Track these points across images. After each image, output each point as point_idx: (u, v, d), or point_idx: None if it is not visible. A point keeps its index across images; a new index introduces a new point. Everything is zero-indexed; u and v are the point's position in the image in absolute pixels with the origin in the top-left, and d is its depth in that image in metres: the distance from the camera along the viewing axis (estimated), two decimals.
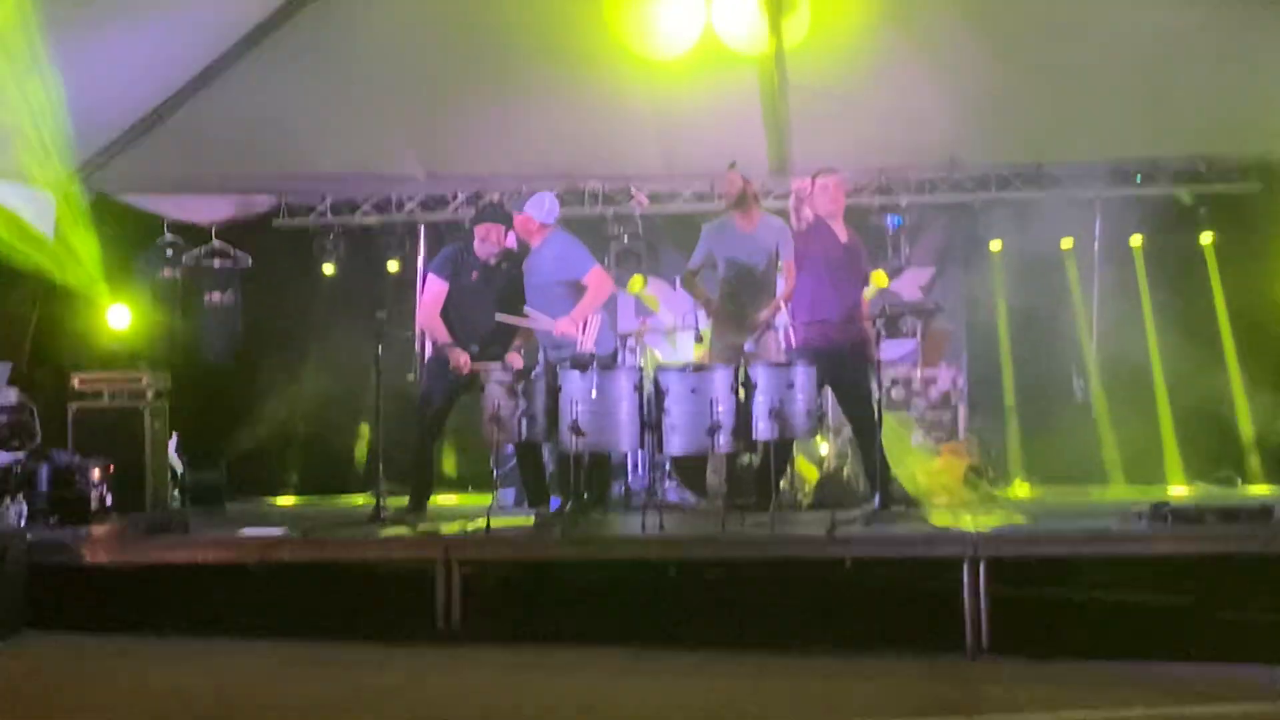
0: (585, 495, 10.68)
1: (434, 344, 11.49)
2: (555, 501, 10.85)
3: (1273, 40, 11.92)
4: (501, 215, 11.29)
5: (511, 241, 11.24)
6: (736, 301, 11.22)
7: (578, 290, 10.91)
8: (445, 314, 11.15)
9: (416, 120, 13.23)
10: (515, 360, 10.83)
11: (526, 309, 10.89)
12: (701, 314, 11.69)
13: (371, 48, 12.38)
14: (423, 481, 11.46)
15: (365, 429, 13.88)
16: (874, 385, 10.48)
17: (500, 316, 10.85)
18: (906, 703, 7.90)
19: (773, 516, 9.91)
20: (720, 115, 13.03)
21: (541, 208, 11.07)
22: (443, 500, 12.83)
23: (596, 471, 10.92)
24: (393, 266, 14.33)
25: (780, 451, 10.48)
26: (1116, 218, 13.78)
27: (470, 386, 10.90)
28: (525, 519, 10.83)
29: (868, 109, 12.85)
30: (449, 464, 13.96)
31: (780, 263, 11.22)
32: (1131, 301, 13.76)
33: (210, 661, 8.99)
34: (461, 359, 10.82)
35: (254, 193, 14.22)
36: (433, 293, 11.22)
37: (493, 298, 11.11)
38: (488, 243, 11.13)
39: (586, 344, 10.56)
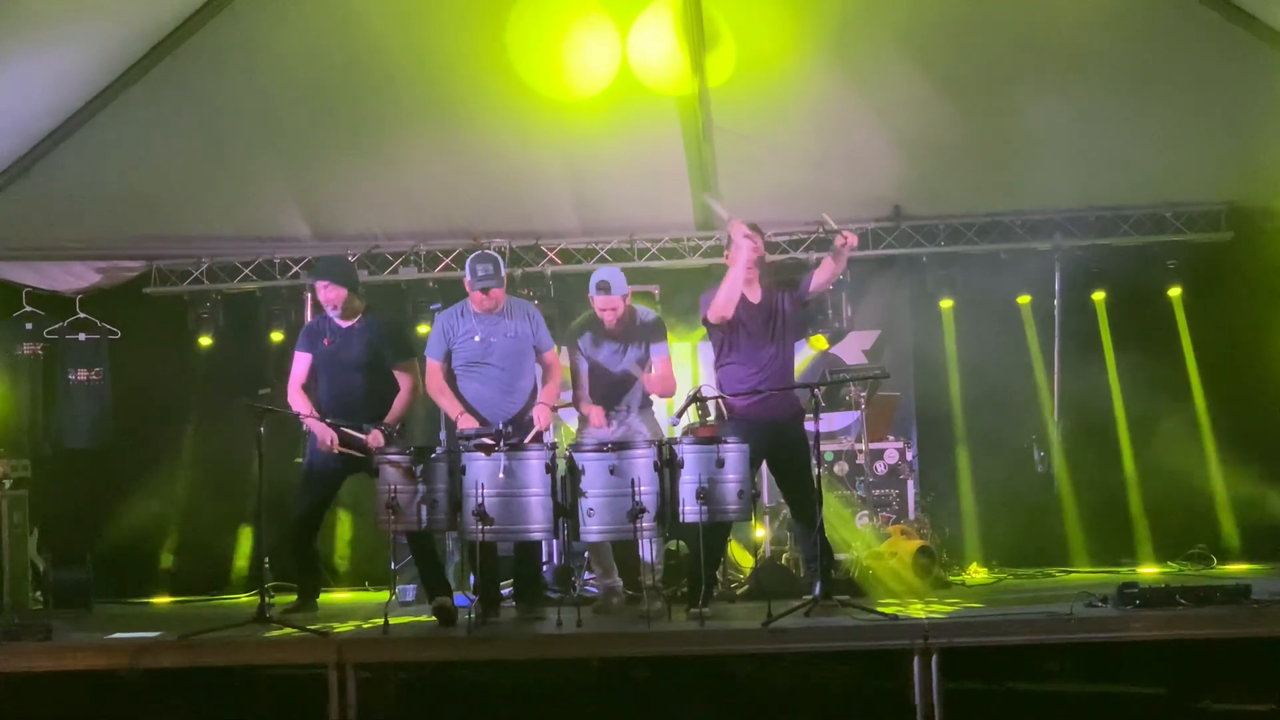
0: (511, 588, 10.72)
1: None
2: (461, 598, 10.75)
3: (1241, 81, 12.13)
4: (335, 272, 11.22)
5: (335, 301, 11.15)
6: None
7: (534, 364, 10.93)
8: (315, 389, 11.21)
9: (300, 176, 13.29)
10: (376, 439, 10.74)
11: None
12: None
13: (247, 98, 12.45)
14: (310, 576, 11.47)
15: (248, 520, 13.72)
16: (813, 461, 10.36)
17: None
18: None
19: (702, 608, 9.91)
20: (639, 163, 13.17)
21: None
22: (336, 597, 12.81)
23: (523, 562, 10.96)
24: (276, 337, 14.25)
25: (712, 536, 10.41)
26: (1077, 271, 13.91)
27: (357, 468, 10.95)
28: (427, 616, 10.74)
29: (802, 155, 12.99)
30: (342, 556, 13.93)
31: (653, 360, 11.17)
32: (1095, 362, 13.90)
33: None
34: (326, 436, 10.86)
35: (121, 258, 14.14)
36: (296, 367, 11.29)
37: (348, 366, 11.10)
38: (326, 305, 11.13)
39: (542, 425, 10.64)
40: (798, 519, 10.90)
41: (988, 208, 13.75)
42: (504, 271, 10.83)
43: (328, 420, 10.83)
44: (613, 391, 11.07)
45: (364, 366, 11.11)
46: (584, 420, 11.08)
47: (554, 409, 11.10)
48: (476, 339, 10.74)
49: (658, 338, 11.16)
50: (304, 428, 11.26)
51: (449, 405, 10.72)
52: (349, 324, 11.17)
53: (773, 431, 10.58)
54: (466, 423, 10.43)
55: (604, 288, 10.86)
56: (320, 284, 11.12)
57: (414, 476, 9.83)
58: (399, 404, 11.06)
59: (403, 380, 11.11)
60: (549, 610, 10.66)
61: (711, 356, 11.05)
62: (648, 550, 10.74)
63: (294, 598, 11.43)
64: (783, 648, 9.31)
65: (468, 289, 10.79)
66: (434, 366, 10.83)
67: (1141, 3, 11.87)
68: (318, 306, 11.40)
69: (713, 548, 10.53)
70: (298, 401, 11.15)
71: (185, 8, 11.77)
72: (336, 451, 10.81)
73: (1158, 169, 13.06)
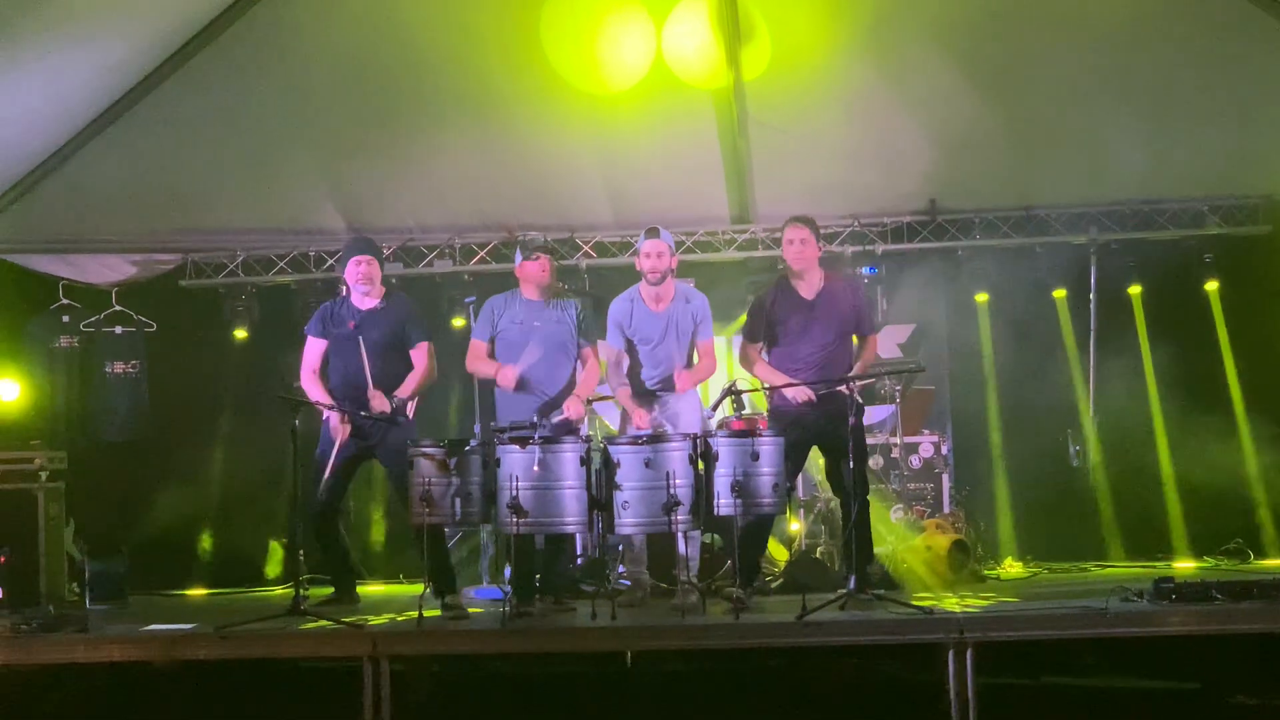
0: (538, 580, 10.69)
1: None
2: (495, 591, 10.74)
3: (1277, 72, 12.08)
4: (372, 247, 11.25)
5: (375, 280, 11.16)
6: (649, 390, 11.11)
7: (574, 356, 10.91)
8: (330, 375, 11.13)
9: (334, 169, 13.34)
10: (382, 402, 10.70)
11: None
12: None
13: (282, 91, 12.51)
14: (339, 566, 11.49)
15: (283, 512, 13.70)
16: (850, 455, 10.23)
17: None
18: None
19: (737, 601, 9.89)
20: (673, 156, 13.16)
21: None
22: (371, 590, 12.81)
23: (547, 553, 10.91)
24: None
25: (749, 530, 10.43)
26: (1113, 265, 13.87)
27: (369, 456, 11.05)
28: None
29: (838, 148, 12.98)
30: (378, 549, 13.94)
31: (698, 342, 11.07)
32: (1131, 356, 13.82)
33: None
34: (334, 422, 10.85)
35: (157, 251, 14.21)
36: (308, 353, 11.18)
37: (369, 349, 10.92)
38: (362, 280, 11.01)
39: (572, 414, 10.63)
40: (844, 509, 10.82)
41: (1023, 201, 13.72)
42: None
43: (347, 409, 10.86)
44: (655, 372, 11.04)
45: (388, 348, 11.02)
46: (625, 417, 11.04)
47: (589, 402, 11.08)
48: (520, 323, 10.75)
49: (704, 316, 11.04)
50: (323, 416, 11.19)
51: (487, 368, 10.79)
52: (374, 304, 11.12)
53: (823, 422, 10.48)
54: (505, 376, 10.54)
55: (653, 232, 10.90)
56: (362, 259, 11.02)
57: (448, 469, 9.79)
58: (413, 380, 10.97)
59: (418, 361, 11.07)
60: (579, 602, 10.69)
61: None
62: (683, 544, 10.71)
63: (329, 590, 11.44)
64: (817, 641, 9.28)
65: (518, 273, 10.86)
66: (478, 345, 10.86)
67: None
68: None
69: (756, 539, 10.59)
70: (313, 389, 11.07)
71: (220, 3, 11.82)
72: (347, 428, 10.82)
73: (1194, 162, 13.00)
